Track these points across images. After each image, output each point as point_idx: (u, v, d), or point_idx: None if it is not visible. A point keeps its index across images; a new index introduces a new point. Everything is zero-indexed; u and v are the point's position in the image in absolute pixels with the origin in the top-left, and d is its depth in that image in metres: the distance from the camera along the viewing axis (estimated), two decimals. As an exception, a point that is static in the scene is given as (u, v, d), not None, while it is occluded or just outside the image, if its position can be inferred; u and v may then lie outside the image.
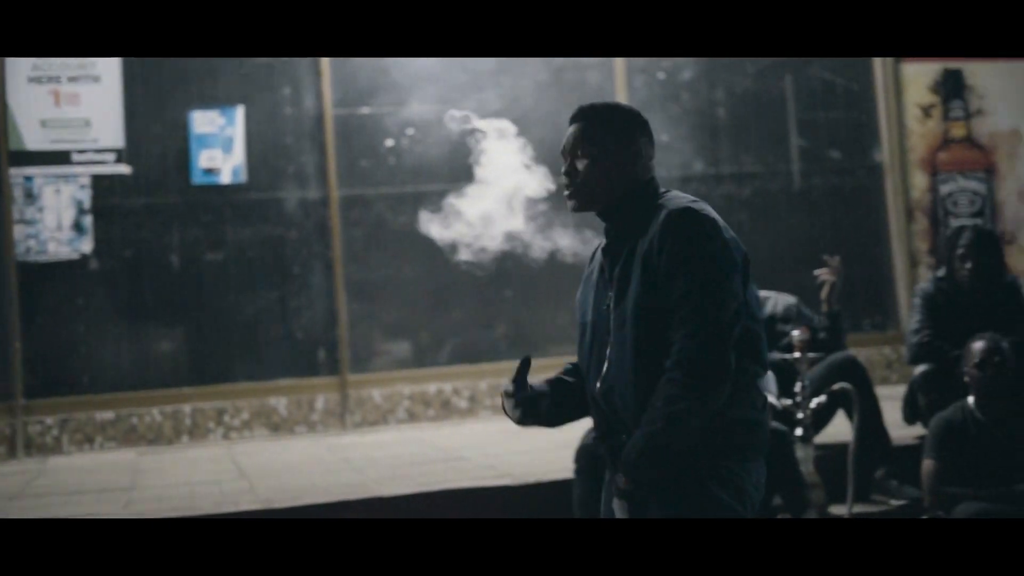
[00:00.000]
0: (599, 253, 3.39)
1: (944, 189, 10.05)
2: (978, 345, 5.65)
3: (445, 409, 9.21)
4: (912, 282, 9.82)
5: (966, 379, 5.67)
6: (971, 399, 5.66)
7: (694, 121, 9.86)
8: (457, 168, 9.45)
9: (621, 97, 9.62)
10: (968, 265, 6.28)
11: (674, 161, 9.73)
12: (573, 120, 3.33)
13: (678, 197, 3.23)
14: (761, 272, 5.99)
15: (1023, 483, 5.50)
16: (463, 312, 9.50)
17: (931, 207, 10.04)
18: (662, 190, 3.30)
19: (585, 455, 5.62)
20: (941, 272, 6.47)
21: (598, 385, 3.26)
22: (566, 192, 3.31)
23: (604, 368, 3.23)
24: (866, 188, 10.11)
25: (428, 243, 9.61)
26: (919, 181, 10.03)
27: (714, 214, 3.16)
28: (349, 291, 9.22)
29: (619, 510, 3.21)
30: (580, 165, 3.27)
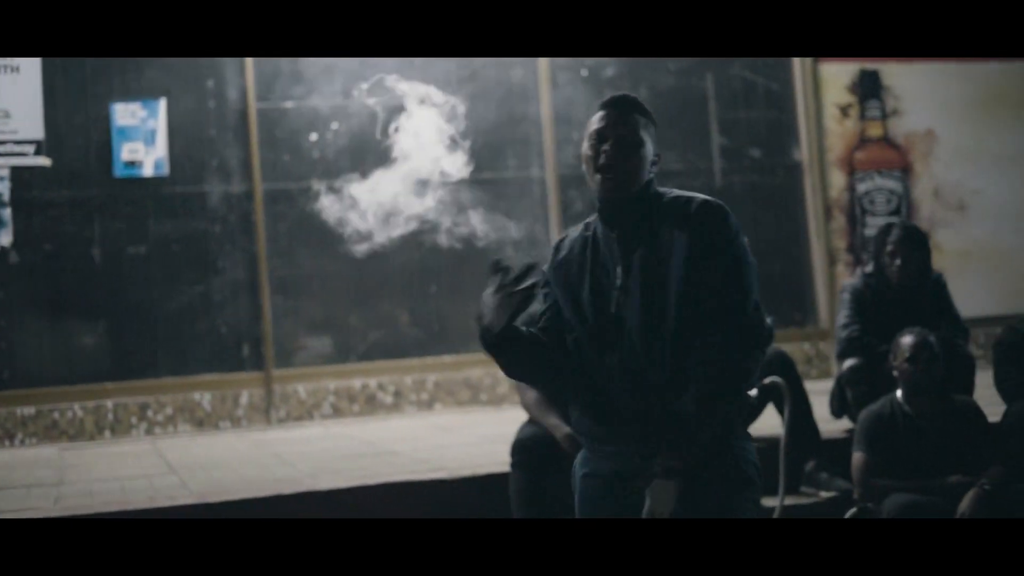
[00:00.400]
0: (592, 241, 3.50)
1: (861, 188, 10.24)
2: (907, 340, 5.75)
3: (370, 404, 9.21)
4: (831, 279, 10.02)
5: (895, 373, 5.78)
6: (899, 393, 5.77)
7: (617, 118, 9.91)
8: (381, 161, 9.48)
9: (544, 93, 9.68)
10: (897, 262, 6.41)
11: (597, 158, 9.80)
12: (619, 105, 3.47)
13: (687, 192, 3.49)
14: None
15: (951, 475, 5.63)
16: (388, 307, 9.49)
17: (849, 205, 10.23)
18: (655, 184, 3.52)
19: (522, 449, 5.64)
20: (869, 268, 6.61)
21: (616, 363, 3.38)
22: (608, 173, 3.39)
23: (622, 346, 3.37)
24: (785, 186, 10.27)
25: (353, 237, 9.60)
26: (837, 180, 10.21)
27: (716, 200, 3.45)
28: (273, 286, 9.17)
29: (660, 492, 3.24)
30: (630, 150, 3.42)
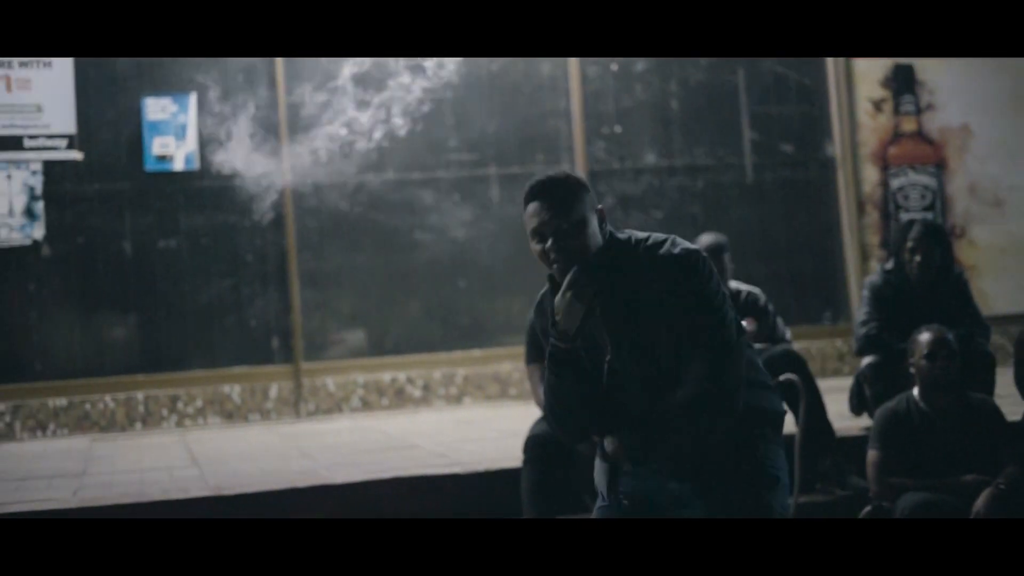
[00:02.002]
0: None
1: (895, 183, 10.16)
2: (925, 337, 5.70)
3: (399, 398, 9.24)
4: (863, 275, 9.92)
5: (912, 371, 5.73)
6: (916, 390, 5.72)
7: (647, 113, 9.92)
8: (414, 155, 9.55)
9: (575, 87, 9.67)
10: (917, 258, 6.35)
11: (627, 153, 9.81)
12: (537, 197, 3.41)
13: (648, 236, 3.45)
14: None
15: (966, 474, 5.58)
16: (417, 301, 9.53)
17: (882, 201, 10.14)
18: (615, 233, 3.49)
19: (534, 444, 5.65)
20: (889, 265, 6.55)
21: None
22: (554, 262, 3.39)
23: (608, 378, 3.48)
24: (818, 182, 10.20)
25: (383, 231, 9.64)
26: (870, 175, 10.13)
27: (690, 245, 3.44)
28: (303, 279, 9.23)
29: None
30: (573, 237, 3.38)
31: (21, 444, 8.48)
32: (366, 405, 9.17)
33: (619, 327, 3.40)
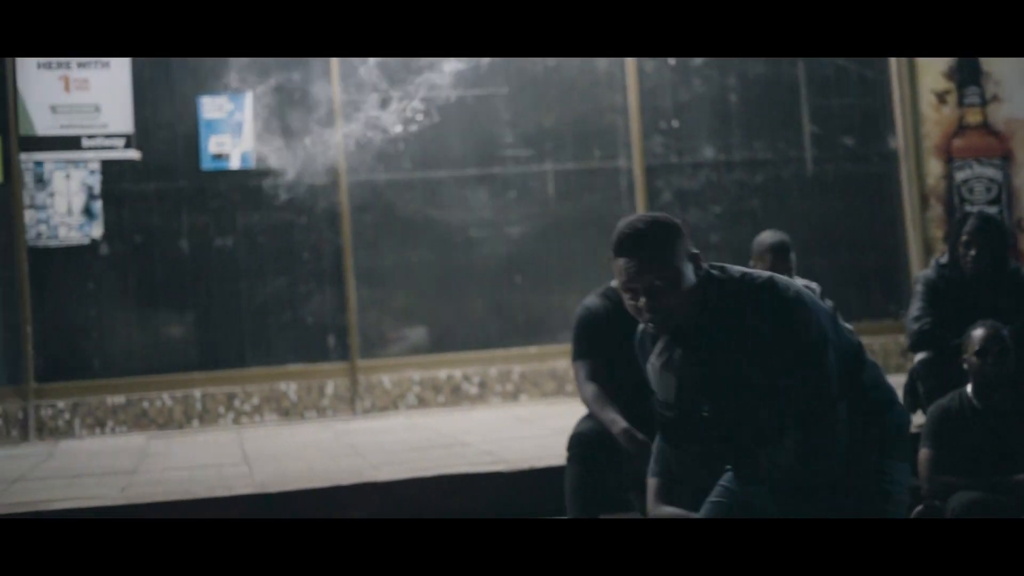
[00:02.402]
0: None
1: (959, 176, 9.96)
2: (979, 333, 5.57)
3: (455, 395, 9.22)
4: (926, 271, 9.77)
5: (965, 367, 5.61)
6: (969, 388, 5.60)
7: (706, 107, 9.81)
8: (469, 151, 9.52)
9: (632, 82, 9.59)
10: (972, 252, 6.20)
11: (685, 148, 9.71)
12: (626, 253, 3.26)
13: (744, 279, 3.33)
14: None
15: (1019, 473, 5.45)
16: (473, 297, 9.50)
17: (946, 194, 9.95)
18: (713, 272, 3.35)
19: (579, 442, 5.58)
20: (944, 259, 6.41)
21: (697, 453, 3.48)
22: (648, 319, 3.29)
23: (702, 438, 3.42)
24: (880, 175, 10.03)
25: (439, 228, 9.62)
26: (934, 168, 9.94)
27: (794, 286, 3.31)
28: (359, 276, 9.23)
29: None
30: (667, 293, 3.25)
31: (80, 441, 8.55)
32: (422, 402, 9.16)
33: (714, 390, 3.32)
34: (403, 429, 8.18)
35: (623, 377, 5.91)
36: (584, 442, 5.55)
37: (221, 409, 8.89)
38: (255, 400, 8.94)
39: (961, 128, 10.00)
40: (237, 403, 8.92)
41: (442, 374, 9.21)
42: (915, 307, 6.34)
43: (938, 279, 6.32)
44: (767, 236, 6.50)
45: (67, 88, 8.81)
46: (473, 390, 9.23)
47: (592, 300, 6.12)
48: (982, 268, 6.21)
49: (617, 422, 5.53)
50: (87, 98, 8.84)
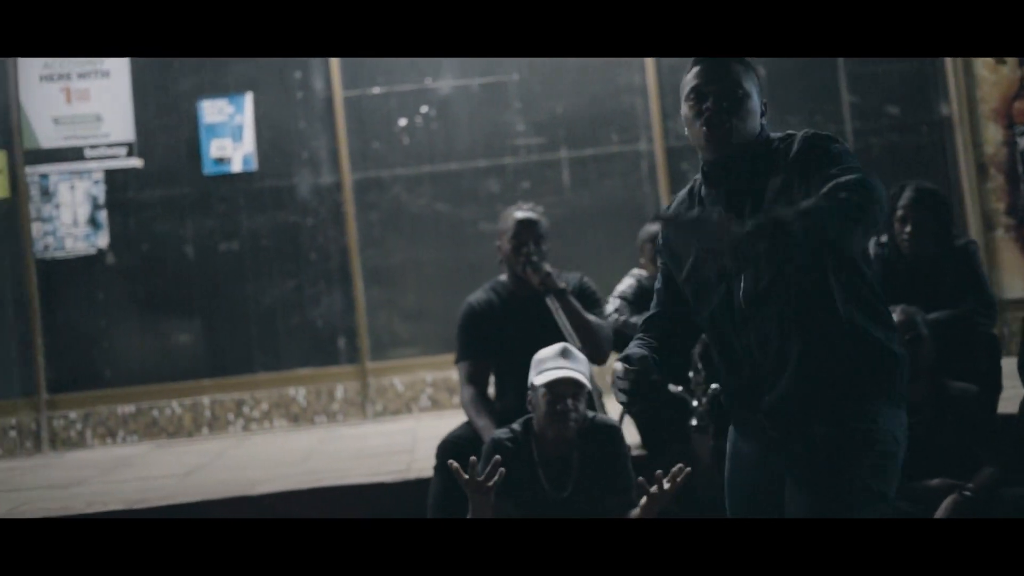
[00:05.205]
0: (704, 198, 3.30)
1: (1023, 142, 9.11)
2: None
3: (471, 395, 8.89)
4: (989, 246, 8.97)
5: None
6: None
7: (732, 81, 9.22)
8: (477, 142, 9.17)
9: (650, 62, 9.10)
10: (908, 228, 5.55)
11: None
12: (706, 62, 3.22)
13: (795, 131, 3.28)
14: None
15: (934, 477, 4.90)
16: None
17: (1008, 162, 9.10)
18: (766, 132, 3.29)
19: (446, 450, 5.26)
20: (884, 237, 5.74)
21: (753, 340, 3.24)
22: (715, 132, 3.15)
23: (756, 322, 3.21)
24: (932, 145, 9.23)
25: (449, 224, 9.29)
26: (993, 135, 9.09)
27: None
28: (367, 276, 8.99)
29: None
30: (735, 104, 3.17)
31: (92, 451, 8.57)
32: (435, 404, 8.87)
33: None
34: (405, 432, 7.92)
35: (510, 375, 5.59)
36: (451, 450, 5.22)
37: (230, 416, 8.78)
38: (264, 406, 8.80)
39: (1022, 90, 9.14)
40: (246, 410, 8.79)
41: (455, 375, 8.86)
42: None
43: (874, 260, 5.66)
44: None
45: (68, 99, 8.83)
46: (488, 390, 8.86)
47: (478, 295, 5.84)
48: (920, 246, 5.56)
49: (488, 429, 5.23)
50: (88, 108, 8.83)
